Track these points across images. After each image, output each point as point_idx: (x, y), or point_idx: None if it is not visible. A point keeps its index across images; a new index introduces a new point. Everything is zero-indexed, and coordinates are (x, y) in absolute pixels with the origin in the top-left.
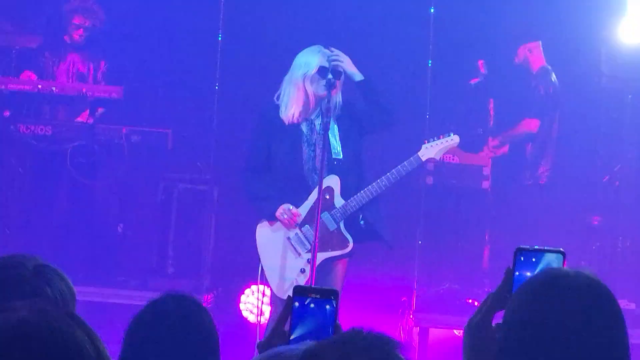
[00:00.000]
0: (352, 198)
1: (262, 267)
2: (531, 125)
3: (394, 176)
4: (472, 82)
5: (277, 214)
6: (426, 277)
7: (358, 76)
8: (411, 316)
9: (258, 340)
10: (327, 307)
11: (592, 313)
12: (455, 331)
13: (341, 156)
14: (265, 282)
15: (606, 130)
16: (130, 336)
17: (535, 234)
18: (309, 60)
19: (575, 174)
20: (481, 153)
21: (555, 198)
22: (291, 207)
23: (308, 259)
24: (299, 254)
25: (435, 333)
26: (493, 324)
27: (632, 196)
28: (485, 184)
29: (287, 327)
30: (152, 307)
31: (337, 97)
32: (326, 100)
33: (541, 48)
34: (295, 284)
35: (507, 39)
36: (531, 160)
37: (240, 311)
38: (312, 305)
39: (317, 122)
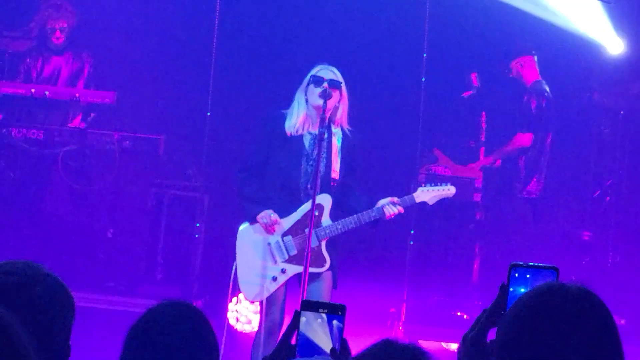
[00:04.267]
0: (339, 221)
1: (236, 266)
2: (524, 140)
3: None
4: (465, 95)
5: (258, 217)
6: (416, 289)
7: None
8: (400, 328)
9: (264, 355)
10: (335, 322)
11: (586, 324)
12: (443, 344)
13: (338, 177)
14: (235, 281)
15: (598, 145)
16: (129, 343)
17: (525, 248)
18: (311, 72)
19: (567, 188)
20: (472, 165)
21: (547, 212)
22: (272, 214)
23: (282, 269)
24: (275, 262)
25: (424, 345)
26: (488, 340)
27: (623, 211)
28: (477, 197)
29: (293, 341)
30: (151, 314)
31: (340, 108)
32: (322, 110)
33: (535, 62)
34: (263, 290)
35: (500, 53)
36: (523, 174)
37: (227, 319)
38: (319, 320)
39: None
